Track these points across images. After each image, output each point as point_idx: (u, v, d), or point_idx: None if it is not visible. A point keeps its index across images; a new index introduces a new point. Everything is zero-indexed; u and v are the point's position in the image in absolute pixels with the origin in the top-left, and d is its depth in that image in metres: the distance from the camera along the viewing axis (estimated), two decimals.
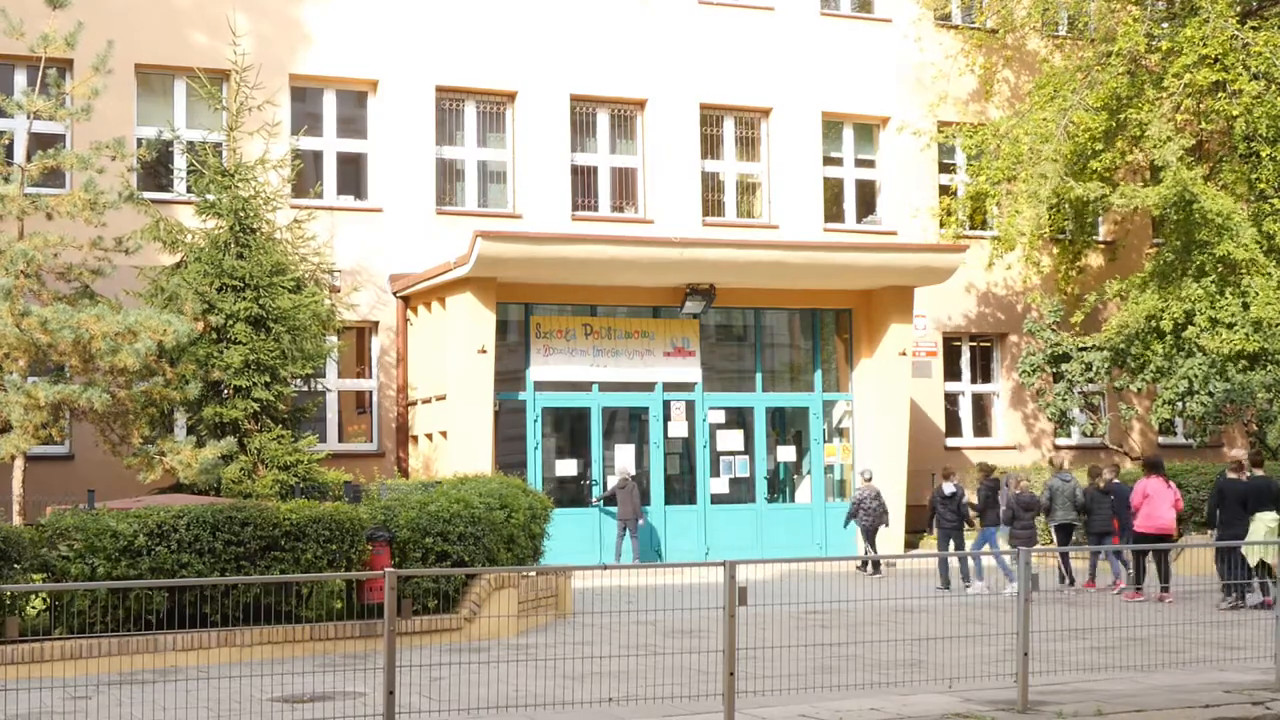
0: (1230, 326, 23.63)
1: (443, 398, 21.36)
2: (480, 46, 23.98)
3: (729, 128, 25.80)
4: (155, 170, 21.76)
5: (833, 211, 26.43)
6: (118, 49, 17.43)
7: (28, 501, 16.14)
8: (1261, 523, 16.59)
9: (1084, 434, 27.11)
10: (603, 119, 25.07)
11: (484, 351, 20.81)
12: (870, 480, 21.52)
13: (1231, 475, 16.97)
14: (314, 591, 13.06)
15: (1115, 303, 25.79)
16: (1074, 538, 19.47)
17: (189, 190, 20.71)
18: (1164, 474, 17.66)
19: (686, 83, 25.13)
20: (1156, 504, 17.20)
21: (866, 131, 26.92)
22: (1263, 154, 24.09)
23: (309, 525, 13.38)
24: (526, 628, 14.61)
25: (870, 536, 21.16)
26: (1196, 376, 23.72)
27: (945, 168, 27.19)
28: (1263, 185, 24.48)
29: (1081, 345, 25.31)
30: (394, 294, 22.82)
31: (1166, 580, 17.27)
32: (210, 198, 19.07)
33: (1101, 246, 27.59)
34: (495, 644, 13.33)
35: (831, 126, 26.47)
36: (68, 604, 12.17)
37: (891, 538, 21.93)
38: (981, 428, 27.30)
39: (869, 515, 21.12)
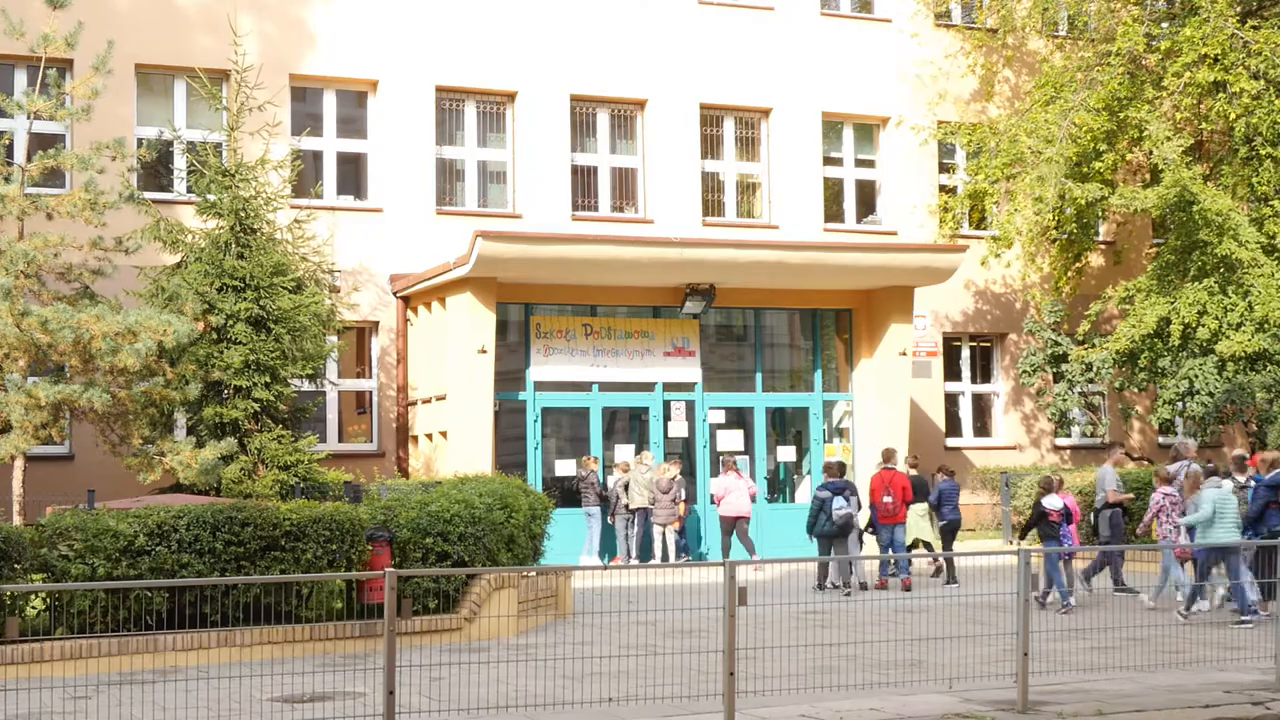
0: (1237, 327, 23.59)
1: (443, 398, 21.36)
2: (480, 46, 23.98)
3: (729, 128, 25.80)
4: (155, 170, 21.76)
5: (833, 211, 26.43)
6: (118, 49, 17.45)
7: (28, 501, 16.15)
8: (913, 512, 19.69)
9: (1084, 434, 27.10)
10: (603, 119, 25.07)
11: (484, 351, 20.81)
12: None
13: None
14: (314, 591, 13.06)
15: (1117, 304, 25.74)
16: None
17: (189, 190, 20.72)
18: (739, 470, 21.32)
19: (686, 83, 25.13)
20: (736, 495, 20.92)
21: (866, 131, 26.92)
22: (1263, 154, 24.05)
23: (309, 525, 13.37)
24: (526, 628, 14.61)
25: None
26: (1198, 377, 23.69)
27: (945, 168, 27.18)
28: (1264, 188, 24.44)
29: (1088, 358, 25.13)
30: (394, 294, 22.83)
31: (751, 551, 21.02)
32: (211, 198, 19.05)
33: (1101, 247, 27.57)
34: (495, 644, 13.33)
35: (831, 126, 26.47)
36: (68, 604, 12.16)
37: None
38: (982, 428, 27.31)
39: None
